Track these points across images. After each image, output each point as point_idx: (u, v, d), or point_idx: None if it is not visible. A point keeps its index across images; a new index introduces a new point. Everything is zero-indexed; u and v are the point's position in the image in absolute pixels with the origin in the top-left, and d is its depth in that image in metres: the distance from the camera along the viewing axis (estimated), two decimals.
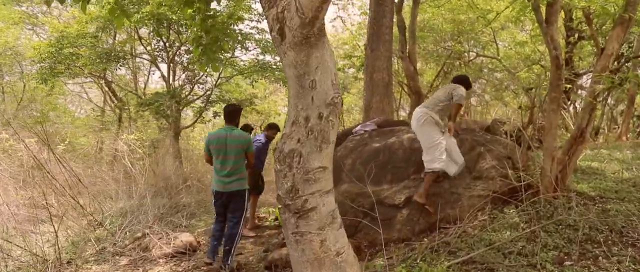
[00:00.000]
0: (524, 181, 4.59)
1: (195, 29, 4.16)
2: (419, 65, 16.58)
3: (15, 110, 16.94)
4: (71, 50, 11.59)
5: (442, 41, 14.21)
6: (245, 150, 4.85)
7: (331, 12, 31.18)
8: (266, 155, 7.06)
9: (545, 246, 3.72)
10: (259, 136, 6.85)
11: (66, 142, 10.53)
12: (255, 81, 12.92)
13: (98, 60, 11.72)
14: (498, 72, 14.87)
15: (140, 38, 13.28)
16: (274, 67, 12.68)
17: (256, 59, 13.22)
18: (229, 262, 4.76)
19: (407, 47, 7.71)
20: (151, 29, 11.58)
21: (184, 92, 13.01)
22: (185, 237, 5.78)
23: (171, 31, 12.21)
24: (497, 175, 4.88)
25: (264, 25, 12.98)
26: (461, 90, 4.91)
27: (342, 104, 2.41)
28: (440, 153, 4.76)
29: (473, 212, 4.62)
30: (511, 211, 4.53)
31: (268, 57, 13.49)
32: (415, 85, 7.71)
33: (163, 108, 11.30)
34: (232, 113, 4.91)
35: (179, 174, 10.35)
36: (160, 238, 5.77)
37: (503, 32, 14.25)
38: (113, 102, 16.64)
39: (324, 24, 2.12)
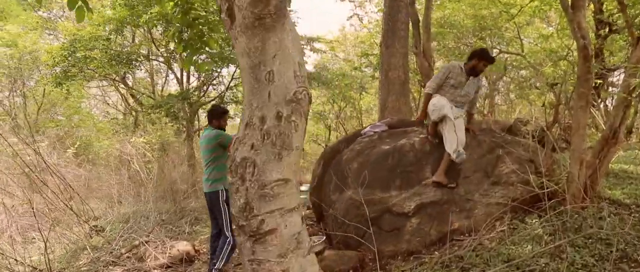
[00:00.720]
0: (548, 188, 4.09)
1: (176, 24, 3.82)
2: (439, 62, 16.00)
3: (36, 115, 17.12)
4: (84, 54, 11.50)
5: (464, 37, 13.61)
6: (220, 145, 4.59)
7: (347, 9, 30.72)
8: None
9: (572, 264, 3.23)
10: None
11: (76, 145, 10.41)
12: None
13: (110, 63, 11.61)
14: (523, 69, 14.19)
15: (153, 40, 13.13)
16: None
17: None
18: None
19: (421, 42, 7.24)
20: (162, 29, 11.38)
21: (197, 94, 12.80)
22: (182, 246, 5.46)
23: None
24: (517, 180, 4.39)
25: None
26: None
27: (310, 101, 2.04)
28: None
29: (490, 222, 4.15)
30: (533, 221, 4.04)
31: None
32: None
33: (174, 110, 11.08)
34: (209, 113, 4.81)
35: (187, 178, 10.11)
36: (156, 247, 5.48)
37: (528, 28, 13.57)
38: (130, 105, 16.60)
39: (284, 2, 1.73)
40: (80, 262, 5.41)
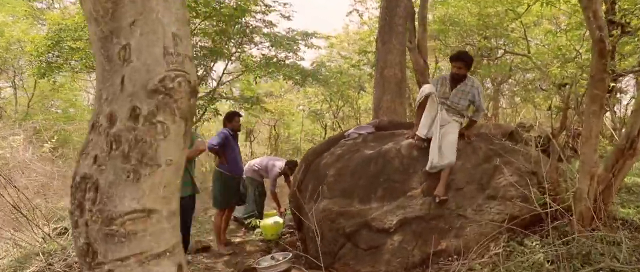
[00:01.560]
0: (551, 205, 3.51)
1: None
2: (441, 63, 15.39)
3: (27, 107, 16.64)
4: (70, 44, 10.97)
5: (468, 36, 13.00)
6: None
7: (347, 4, 30.02)
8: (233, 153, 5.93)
9: None
10: (223, 130, 5.82)
11: (54, 139, 9.88)
12: (259, 78, 12.02)
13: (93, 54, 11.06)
14: (529, 71, 13.56)
15: None
16: (281, 63, 11.79)
17: (262, 54, 12.36)
18: None
19: (416, 36, 6.66)
20: None
21: None
22: None
23: None
24: (516, 195, 3.81)
25: (272, 17, 12.12)
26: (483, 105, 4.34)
27: (195, 93, 1.50)
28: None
29: (483, 244, 3.57)
30: (533, 244, 3.45)
31: (281, 53, 12.64)
32: (426, 81, 6.63)
33: None
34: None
35: None
36: None
37: (535, 28, 12.94)
38: None
39: None
40: (29, 271, 4.87)
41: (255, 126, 21.27)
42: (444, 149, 4.05)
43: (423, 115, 4.21)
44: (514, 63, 13.73)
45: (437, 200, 3.87)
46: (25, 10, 14.45)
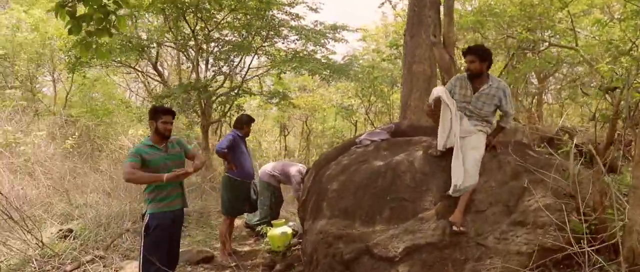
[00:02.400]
0: (594, 238, 2.85)
1: None
2: None
3: (65, 101, 16.94)
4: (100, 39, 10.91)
5: (509, 28, 12.04)
6: None
7: None
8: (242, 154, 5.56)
9: None
10: (232, 133, 5.50)
11: (76, 135, 9.82)
12: (283, 73, 11.58)
13: (121, 49, 10.96)
14: (578, 65, 12.45)
15: (170, 27, 12.37)
16: (307, 57, 11.29)
17: (288, 48, 11.91)
18: None
19: (441, 29, 5.99)
20: (167, 15, 10.60)
21: (212, 83, 11.97)
22: (133, 269, 4.57)
23: (198, 17, 11.19)
24: (550, 222, 3.16)
25: (298, 9, 11.65)
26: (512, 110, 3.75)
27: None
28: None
29: None
30: None
31: (310, 47, 12.15)
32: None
33: (178, 102, 10.30)
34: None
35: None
36: (105, 267, 4.62)
37: (585, 18, 11.82)
38: (150, 94, 16.09)
39: None
40: None
41: (290, 121, 20.96)
42: (467, 168, 3.43)
43: (440, 123, 3.61)
44: (561, 56, 12.66)
45: (453, 228, 3.27)
46: (52, 7, 14.57)
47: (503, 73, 12.88)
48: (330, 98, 18.87)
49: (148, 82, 17.17)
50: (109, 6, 2.99)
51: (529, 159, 3.74)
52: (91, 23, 2.95)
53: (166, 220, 3.80)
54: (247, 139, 5.82)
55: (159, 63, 14.46)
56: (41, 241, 5.00)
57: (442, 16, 6.19)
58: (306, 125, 19.92)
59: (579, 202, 3.20)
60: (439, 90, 3.61)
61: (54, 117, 11.00)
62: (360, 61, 15.75)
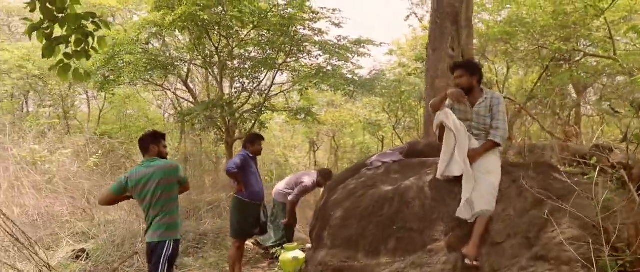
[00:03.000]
0: None
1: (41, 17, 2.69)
2: (514, 69, 13.87)
3: (98, 117, 17.37)
4: (122, 58, 11.09)
5: (541, 38, 11.51)
6: (179, 182, 3.78)
7: (404, 8, 28.55)
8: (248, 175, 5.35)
9: None
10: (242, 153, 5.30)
11: (98, 154, 9.92)
12: (305, 89, 11.41)
13: (145, 67, 11.09)
14: (618, 75, 11.75)
15: (196, 44, 12.47)
16: (329, 73, 11.10)
17: (312, 64, 11.76)
18: None
19: (460, 41, 5.66)
20: (191, 32, 10.65)
21: (236, 99, 11.95)
22: None
23: (221, 34, 11.22)
24: (576, 258, 2.78)
25: (320, 24, 11.49)
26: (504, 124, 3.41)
27: None
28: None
29: None
30: None
31: (335, 62, 11.98)
32: None
33: (200, 119, 10.28)
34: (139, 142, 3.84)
35: (209, 192, 9.25)
36: None
37: (624, 25, 11.15)
38: (178, 111, 16.26)
39: None
40: None
41: (319, 136, 20.81)
42: (483, 193, 3.11)
43: (443, 149, 3.33)
44: (599, 66, 11.99)
45: (466, 261, 2.94)
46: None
47: (537, 85, 12.31)
48: (358, 113, 18.61)
49: (178, 100, 17.36)
50: (87, 27, 2.87)
51: (554, 183, 3.36)
52: (69, 45, 2.83)
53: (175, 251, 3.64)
54: (258, 158, 5.64)
55: (189, 80, 14.60)
56: (48, 264, 4.93)
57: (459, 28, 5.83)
58: (334, 140, 19.69)
59: (610, 236, 2.81)
60: (441, 115, 3.34)
61: (79, 136, 11.17)
62: (388, 75, 15.46)
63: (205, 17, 9.38)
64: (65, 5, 2.62)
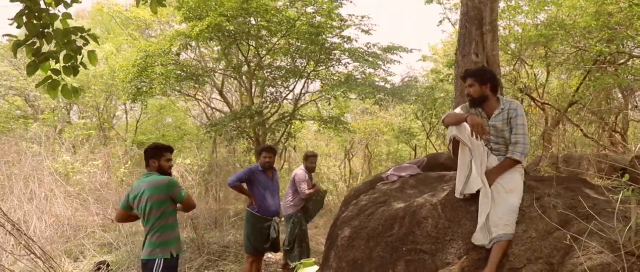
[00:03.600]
0: None
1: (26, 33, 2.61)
2: (554, 74, 13.20)
3: (135, 127, 17.81)
4: (153, 69, 11.28)
5: (583, 41, 10.88)
6: (171, 198, 3.63)
7: (436, 12, 27.94)
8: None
9: None
10: (251, 166, 5.26)
11: (127, 165, 10.08)
12: (333, 98, 11.22)
13: (176, 78, 11.23)
14: None
15: (225, 54, 12.56)
16: (358, 81, 10.89)
17: (341, 72, 11.59)
18: None
19: (484, 46, 5.33)
20: (219, 42, 10.70)
21: (264, 109, 11.92)
22: None
23: (249, 44, 11.24)
24: None
25: (350, 32, 11.33)
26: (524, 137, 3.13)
27: None
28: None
29: None
30: None
31: (366, 69, 11.78)
32: None
33: (227, 129, 10.28)
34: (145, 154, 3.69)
35: (233, 203, 9.19)
36: None
37: None
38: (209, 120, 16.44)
39: None
40: None
41: (354, 145, 20.58)
42: (501, 215, 2.83)
43: (458, 166, 3.05)
44: None
45: None
46: (125, 40, 15.43)
47: (579, 90, 11.65)
48: (391, 121, 18.24)
49: (211, 110, 17.53)
50: (76, 42, 2.78)
51: (584, 201, 3.02)
52: (58, 61, 2.76)
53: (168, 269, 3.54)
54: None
55: (225, 90, 14.72)
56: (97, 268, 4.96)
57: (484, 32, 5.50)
58: (367, 149, 19.39)
59: None
60: (454, 128, 3.07)
61: (113, 146, 11.41)
62: (421, 82, 15.11)
63: (231, 27, 9.38)
64: (52, 22, 2.56)
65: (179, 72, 11.31)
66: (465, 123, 3.04)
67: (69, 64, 2.77)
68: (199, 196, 8.87)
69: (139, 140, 16.98)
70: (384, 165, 20.78)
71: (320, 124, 12.95)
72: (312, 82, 13.12)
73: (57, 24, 2.74)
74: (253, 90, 12.19)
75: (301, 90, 12.12)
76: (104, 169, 9.73)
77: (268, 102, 12.20)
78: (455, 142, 3.08)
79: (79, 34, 2.76)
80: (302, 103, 12.58)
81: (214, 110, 15.98)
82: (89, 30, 2.79)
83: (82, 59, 2.86)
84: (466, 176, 2.99)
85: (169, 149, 3.73)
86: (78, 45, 2.78)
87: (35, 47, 2.61)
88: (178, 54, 11.86)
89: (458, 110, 3.32)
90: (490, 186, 2.98)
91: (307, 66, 11.83)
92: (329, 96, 10.69)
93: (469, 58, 6.63)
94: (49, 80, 2.70)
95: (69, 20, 2.74)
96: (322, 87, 12.23)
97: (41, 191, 8.43)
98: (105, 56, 15.54)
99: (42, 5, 2.58)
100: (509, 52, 11.55)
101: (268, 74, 12.12)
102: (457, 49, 7.36)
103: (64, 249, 7.06)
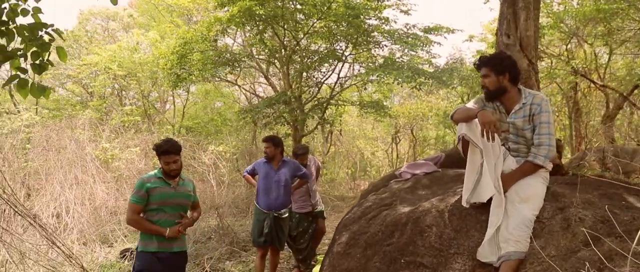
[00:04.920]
0: None
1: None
2: (616, 55, 12.00)
3: (182, 113, 18.15)
4: (192, 56, 11.30)
5: None
6: None
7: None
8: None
9: None
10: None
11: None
12: (369, 82, 10.77)
13: (212, 64, 11.21)
14: None
15: (259, 38, 12.37)
16: (396, 63, 10.38)
17: (382, 54, 11.12)
18: None
19: (518, 27, 4.73)
20: (255, 26, 10.51)
21: (302, 94, 11.69)
22: None
23: (284, 28, 10.98)
24: None
25: (389, 13, 10.80)
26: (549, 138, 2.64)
27: None
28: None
29: None
30: None
31: (407, 51, 11.25)
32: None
33: (260, 116, 10.13)
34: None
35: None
36: None
37: None
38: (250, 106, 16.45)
39: None
40: None
41: (399, 129, 20.04)
42: (512, 228, 2.41)
43: (466, 170, 2.63)
44: None
45: None
46: (168, 27, 15.61)
47: None
48: (438, 105, 17.50)
49: (253, 96, 17.47)
50: (43, 39, 2.59)
51: (621, 214, 2.53)
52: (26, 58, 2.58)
53: (155, 265, 3.39)
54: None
55: (271, 75, 14.60)
56: (82, 266, 4.97)
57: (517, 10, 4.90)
58: (412, 134, 18.78)
59: None
60: (464, 126, 2.63)
61: (158, 132, 11.61)
62: (467, 64, 14.28)
63: (261, 12, 9.14)
64: (11, 19, 2.40)
65: (216, 58, 11.27)
66: (476, 120, 2.61)
67: (37, 61, 2.60)
68: (229, 184, 8.78)
69: (186, 125, 17.31)
70: (433, 149, 20.08)
71: (361, 108, 12.56)
72: (350, 67, 12.73)
73: (29, 20, 2.58)
74: (290, 74, 11.97)
75: (339, 74, 11.75)
76: (141, 156, 9.87)
77: (306, 88, 11.95)
78: (465, 142, 2.66)
79: (44, 29, 2.59)
80: (340, 88, 12.21)
81: (255, 96, 15.94)
82: (53, 25, 2.61)
83: (48, 56, 2.69)
84: (475, 182, 2.57)
85: (166, 152, 3.51)
86: (46, 42, 2.60)
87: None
88: (215, 40, 11.81)
89: (470, 104, 2.88)
90: (505, 191, 2.56)
91: (346, 49, 11.45)
92: (364, 82, 10.26)
93: (500, 40, 6.03)
94: (17, 79, 2.55)
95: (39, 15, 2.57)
96: (365, 71, 11.81)
97: (83, 177, 8.68)
98: (150, 44, 15.85)
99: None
100: (565, 29, 10.60)
101: (305, 58, 11.84)
102: (497, 30, 6.75)
103: (99, 233, 7.24)
